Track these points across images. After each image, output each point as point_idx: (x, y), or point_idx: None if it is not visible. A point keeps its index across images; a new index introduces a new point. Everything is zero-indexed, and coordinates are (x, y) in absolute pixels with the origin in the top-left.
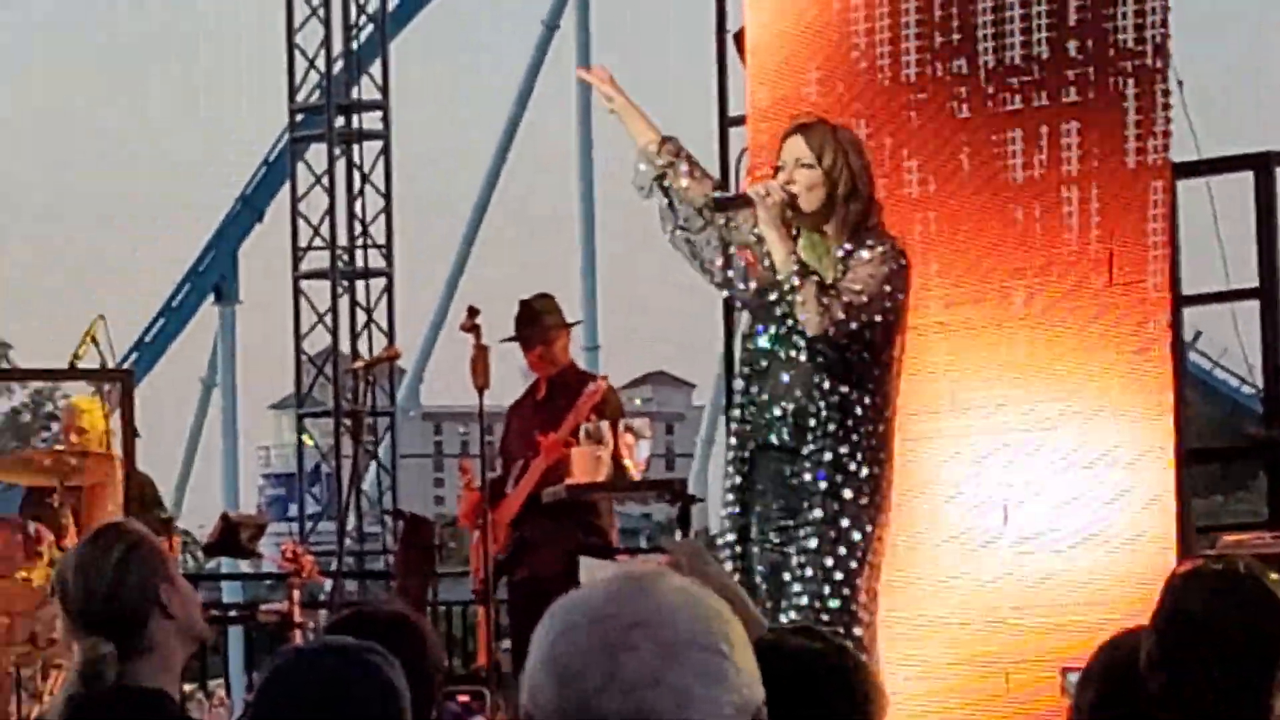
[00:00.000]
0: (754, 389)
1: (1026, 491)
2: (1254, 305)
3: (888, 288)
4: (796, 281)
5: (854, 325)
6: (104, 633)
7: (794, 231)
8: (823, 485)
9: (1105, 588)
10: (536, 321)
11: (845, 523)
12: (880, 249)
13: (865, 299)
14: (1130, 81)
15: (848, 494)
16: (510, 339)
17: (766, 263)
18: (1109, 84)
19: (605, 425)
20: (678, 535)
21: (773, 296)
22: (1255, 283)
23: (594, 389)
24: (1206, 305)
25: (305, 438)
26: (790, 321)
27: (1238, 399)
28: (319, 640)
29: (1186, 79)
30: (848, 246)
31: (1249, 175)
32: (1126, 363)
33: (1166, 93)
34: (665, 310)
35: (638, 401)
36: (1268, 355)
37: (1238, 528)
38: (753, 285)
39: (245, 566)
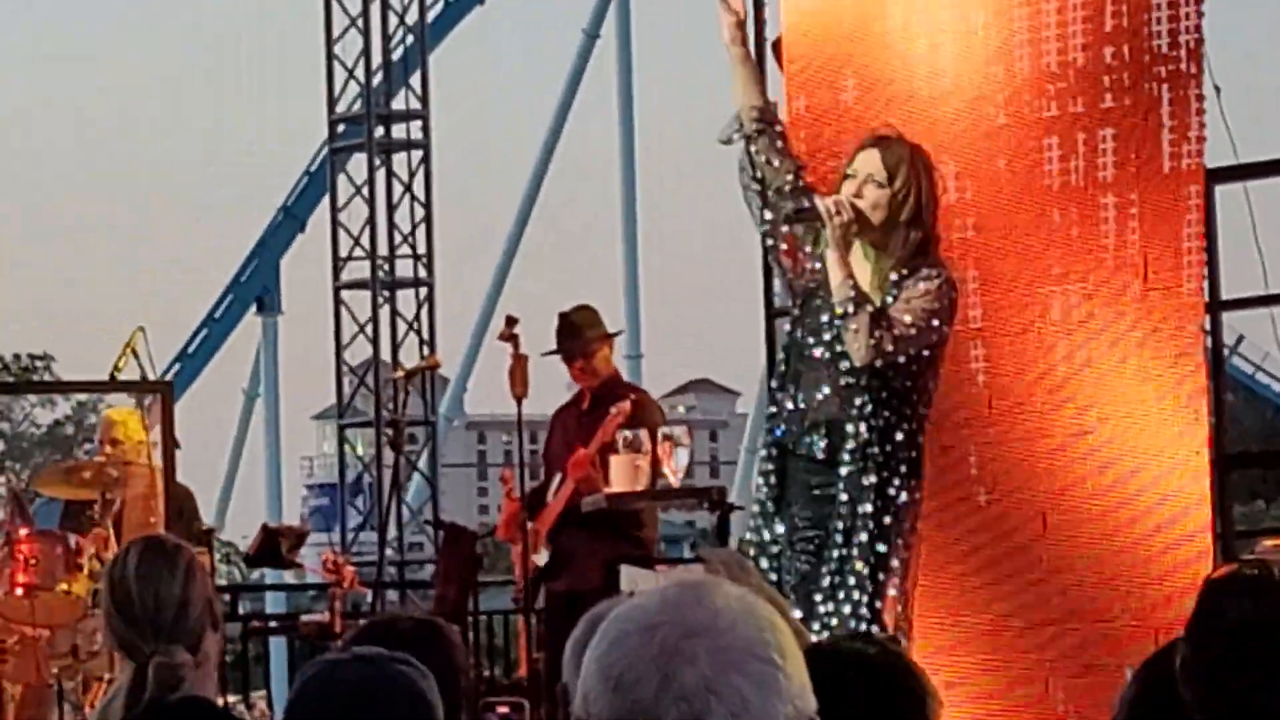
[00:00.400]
0: (792, 399)
1: (1064, 498)
2: None
3: (936, 321)
4: (851, 309)
5: (900, 358)
6: (176, 642)
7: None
8: (862, 509)
9: (1144, 593)
10: (576, 335)
11: (881, 548)
12: (936, 281)
13: (914, 331)
14: (1165, 87)
15: (886, 520)
16: (551, 352)
17: (817, 265)
18: (1144, 89)
19: (644, 433)
20: (717, 543)
21: (824, 318)
22: None
23: (617, 411)
24: (1246, 310)
25: (347, 448)
26: (837, 343)
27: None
28: (349, 650)
29: (1224, 84)
30: (903, 272)
31: None
32: (1163, 368)
33: (1201, 97)
34: (709, 317)
35: (681, 409)
36: None
37: (1278, 532)
38: (790, 276)
39: (289, 577)
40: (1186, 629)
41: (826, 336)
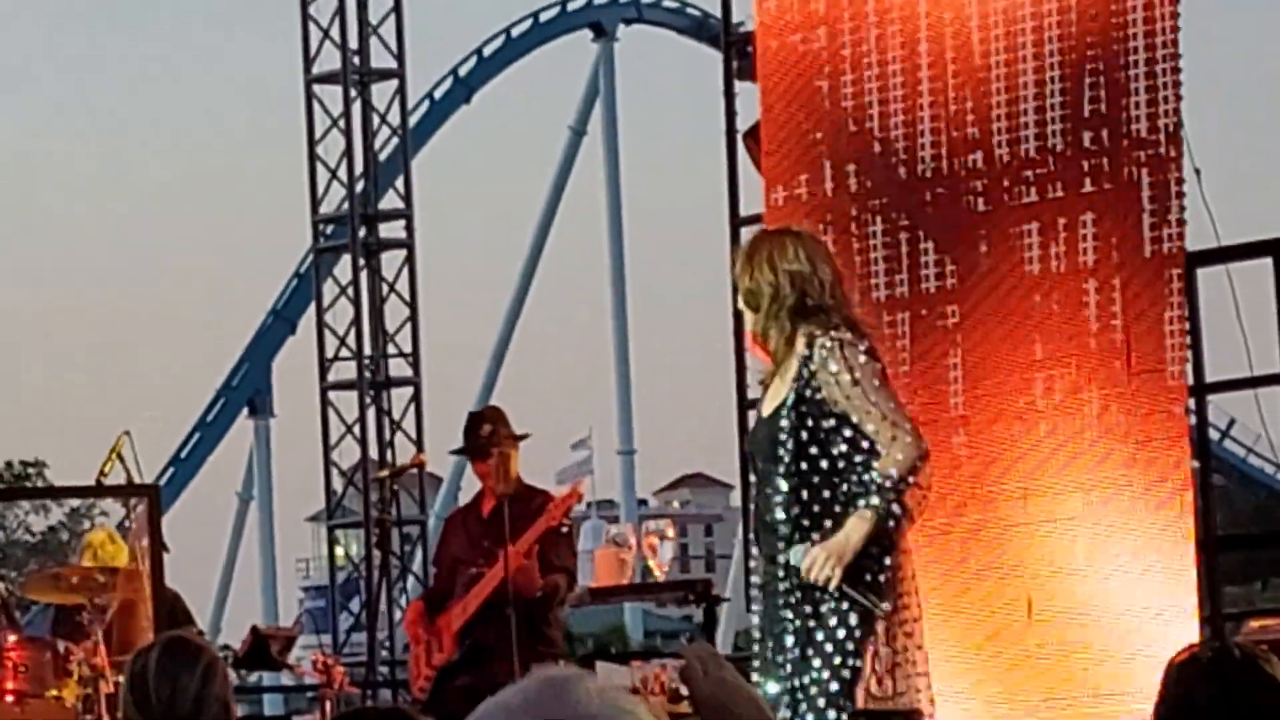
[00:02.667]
0: (760, 491)
1: (1050, 589)
2: (1277, 390)
3: (884, 391)
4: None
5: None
6: None
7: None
8: (791, 583)
9: (1128, 674)
10: (488, 434)
11: (834, 620)
12: (850, 358)
13: (892, 424)
14: (1144, 170)
15: (824, 595)
16: (458, 451)
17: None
18: (1124, 173)
19: (628, 528)
20: (682, 640)
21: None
22: (1278, 368)
23: (569, 491)
24: (1232, 392)
25: (339, 548)
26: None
27: (1273, 486)
28: None
29: (1203, 166)
30: (805, 353)
31: (1268, 262)
32: (1145, 449)
33: (1180, 180)
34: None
35: (675, 504)
36: None
37: (1266, 613)
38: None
39: (286, 679)
40: (1155, 713)
41: (758, 441)
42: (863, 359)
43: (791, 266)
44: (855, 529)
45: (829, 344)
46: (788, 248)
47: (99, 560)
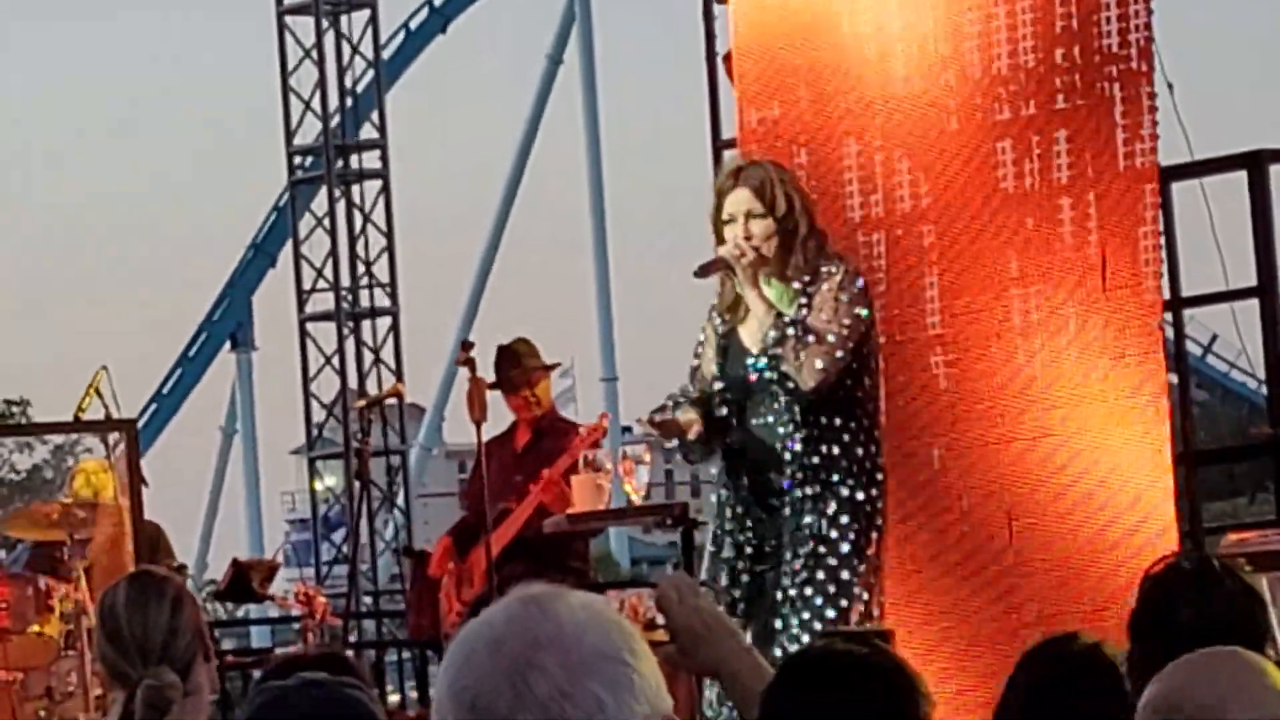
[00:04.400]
0: (743, 419)
1: (1031, 505)
2: (1253, 304)
3: (856, 310)
4: (777, 335)
5: (838, 366)
6: (165, 666)
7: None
8: (807, 519)
9: (1113, 591)
10: (518, 364)
11: (832, 550)
12: (838, 275)
13: (843, 333)
14: (1116, 86)
15: (832, 522)
16: (492, 384)
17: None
18: (1096, 89)
19: (605, 453)
20: (668, 568)
21: (752, 353)
22: (1254, 281)
23: (591, 428)
24: (1206, 306)
25: (322, 481)
26: (769, 371)
27: (1255, 400)
28: (297, 677)
29: (1176, 81)
30: (805, 279)
31: (1243, 175)
32: (1125, 366)
33: (1153, 95)
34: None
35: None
36: (1269, 353)
37: (1247, 527)
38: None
39: (273, 611)
40: (1131, 626)
41: (752, 372)
42: (858, 286)
43: (805, 193)
44: None
45: (839, 269)
46: (792, 176)
47: (91, 485)
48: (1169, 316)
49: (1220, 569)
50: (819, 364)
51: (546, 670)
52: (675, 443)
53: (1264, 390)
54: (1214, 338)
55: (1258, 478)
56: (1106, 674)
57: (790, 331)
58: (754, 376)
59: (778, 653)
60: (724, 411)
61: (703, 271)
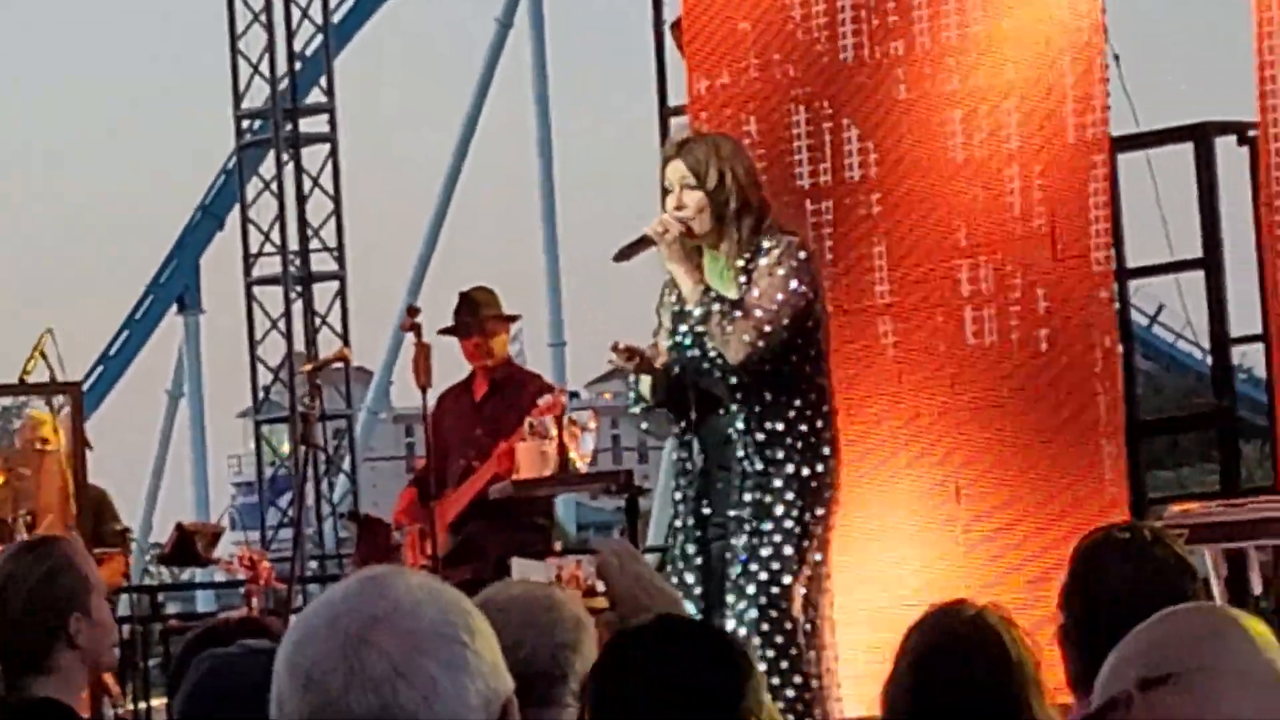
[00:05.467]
0: (688, 406)
1: (977, 474)
2: (1198, 276)
3: (793, 285)
4: (702, 312)
5: (767, 343)
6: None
7: (698, 254)
8: (750, 497)
9: (1057, 562)
10: (474, 311)
11: (777, 527)
12: (777, 250)
13: (774, 308)
14: (1067, 57)
15: (777, 499)
16: (446, 330)
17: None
18: (1046, 60)
19: (550, 419)
20: (615, 533)
21: (684, 327)
22: (1199, 253)
23: (551, 402)
24: (1151, 277)
25: (269, 444)
26: (703, 348)
27: (1200, 371)
28: (240, 645)
29: (1123, 53)
30: (746, 256)
31: (1189, 147)
32: (1071, 337)
33: (1104, 67)
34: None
35: (608, 396)
36: (1214, 325)
37: (1190, 497)
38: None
39: (219, 575)
40: (1063, 595)
41: (696, 348)
42: (798, 259)
43: (747, 166)
44: None
45: (779, 243)
46: (740, 152)
47: (38, 435)
48: (1116, 287)
49: (1152, 539)
50: (746, 338)
51: (381, 648)
52: (634, 402)
53: (1209, 361)
54: (1160, 308)
55: (1203, 447)
56: (991, 642)
57: (716, 307)
58: (694, 355)
59: (724, 626)
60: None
61: (623, 254)
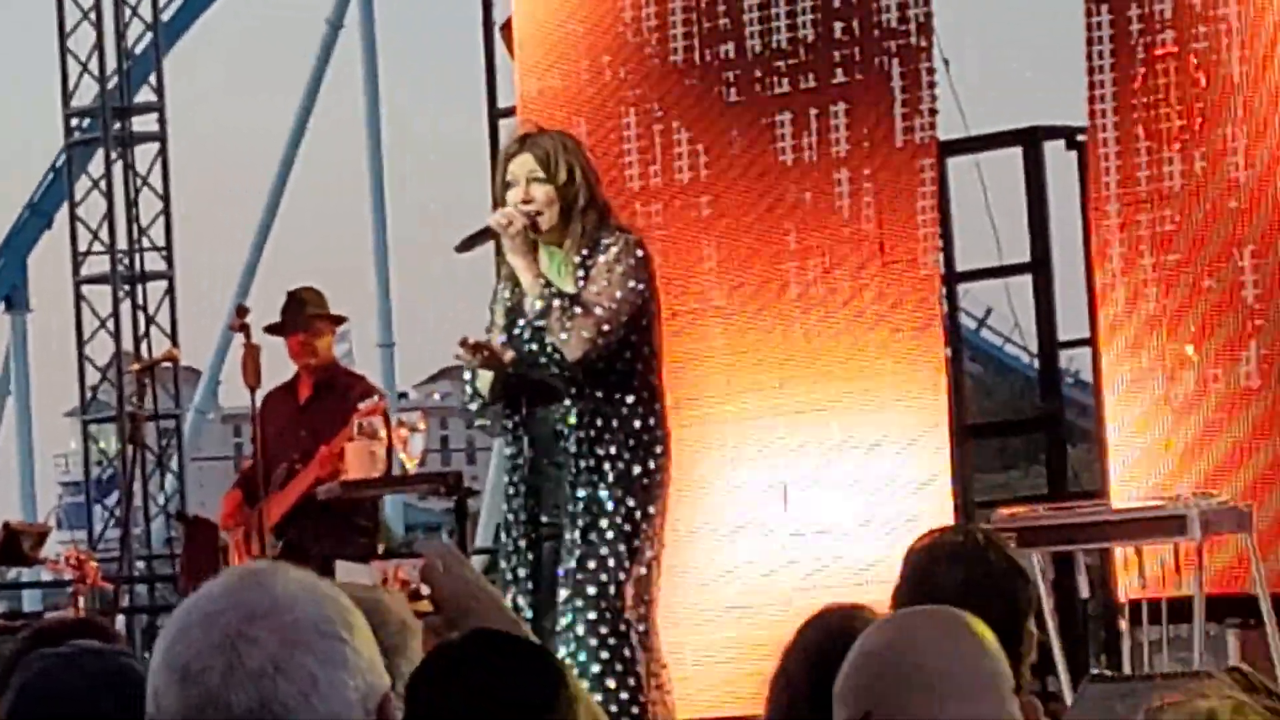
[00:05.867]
0: (521, 402)
1: (805, 475)
2: (1027, 280)
3: (631, 283)
4: (542, 306)
5: (605, 340)
6: None
7: (536, 249)
8: (582, 493)
9: (884, 571)
10: (300, 309)
11: (610, 524)
12: (615, 247)
13: (613, 305)
14: (895, 61)
15: (609, 495)
16: (271, 327)
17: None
18: (875, 64)
19: (379, 420)
20: (442, 535)
21: (522, 321)
22: (1028, 257)
23: (372, 406)
24: (980, 281)
25: (96, 445)
26: (541, 341)
27: (1028, 374)
28: (71, 645)
29: (953, 58)
30: (584, 252)
31: (1018, 151)
32: (900, 342)
33: (931, 71)
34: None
35: (436, 397)
36: (1042, 329)
37: (1019, 501)
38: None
39: (45, 575)
40: (895, 597)
41: (534, 343)
42: (636, 257)
43: (591, 164)
44: None
45: (618, 241)
46: (582, 149)
47: None
48: (944, 290)
49: (984, 543)
50: (585, 334)
51: (259, 642)
52: (471, 398)
53: (1035, 364)
54: (988, 311)
55: (1030, 451)
56: None
57: (556, 302)
58: (526, 351)
59: (556, 625)
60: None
61: (466, 245)
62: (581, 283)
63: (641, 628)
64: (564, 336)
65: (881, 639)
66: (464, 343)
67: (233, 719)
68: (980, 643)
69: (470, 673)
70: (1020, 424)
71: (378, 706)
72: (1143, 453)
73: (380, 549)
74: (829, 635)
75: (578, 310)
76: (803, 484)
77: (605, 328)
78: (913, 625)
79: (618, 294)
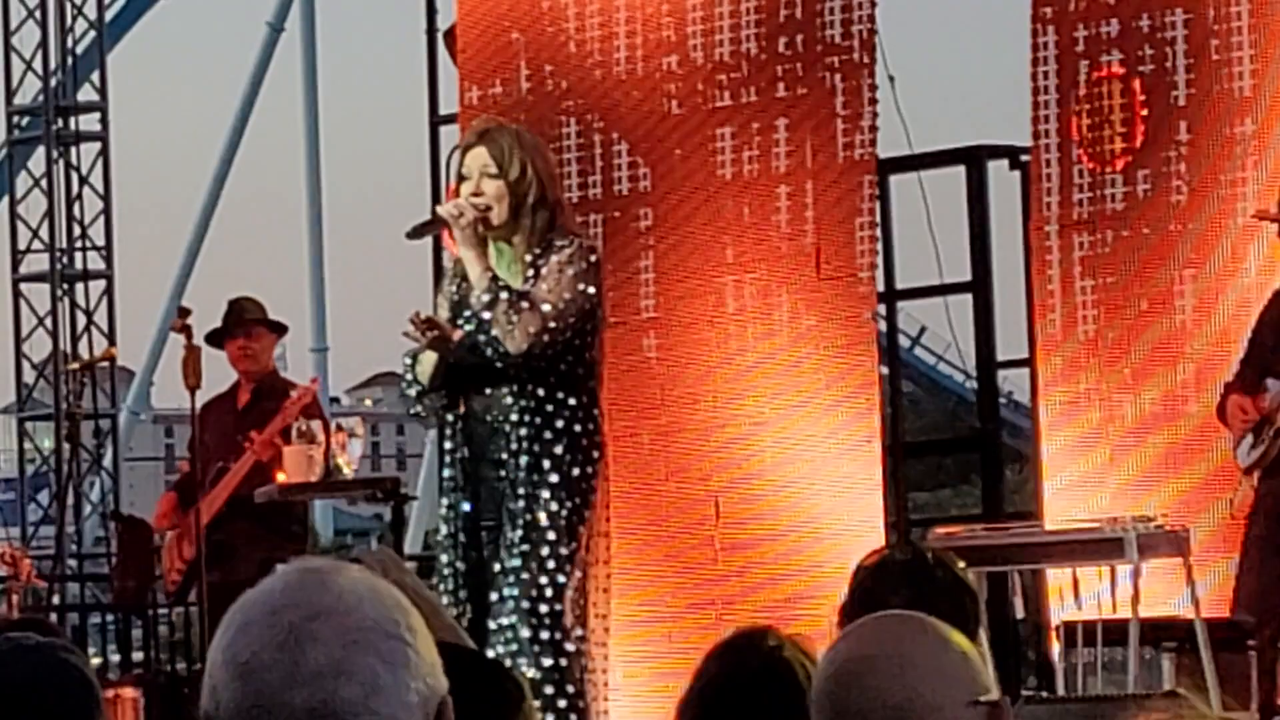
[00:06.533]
0: (460, 396)
1: (737, 485)
2: (968, 299)
3: (581, 286)
4: (489, 299)
5: (551, 338)
6: None
7: (485, 244)
8: (523, 491)
9: (814, 585)
10: (240, 316)
11: (551, 524)
12: (568, 249)
13: (560, 305)
14: (838, 77)
15: (551, 495)
16: (211, 333)
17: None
18: (818, 80)
19: (318, 424)
20: (373, 540)
21: (467, 313)
22: (968, 276)
23: (303, 390)
24: (920, 299)
25: (30, 441)
26: (486, 335)
27: (961, 394)
28: (6, 639)
29: (899, 75)
30: (536, 251)
31: (961, 170)
32: (835, 356)
33: (874, 87)
34: (394, 310)
35: (368, 403)
36: (980, 349)
37: (954, 520)
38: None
39: None
40: (843, 615)
41: (480, 335)
42: (589, 262)
43: (548, 162)
44: None
45: (571, 243)
46: (541, 148)
47: None
48: (882, 308)
49: (933, 561)
50: (530, 329)
51: (321, 640)
52: (410, 384)
53: (970, 384)
54: (923, 330)
55: (963, 470)
56: (784, 678)
57: (503, 295)
58: (475, 351)
59: (492, 626)
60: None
61: (416, 232)
62: (531, 281)
63: (578, 633)
64: (509, 329)
65: (858, 646)
66: (414, 318)
67: (292, 718)
68: (961, 648)
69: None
70: (957, 442)
71: (436, 710)
72: (1077, 474)
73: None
74: (737, 660)
75: (524, 305)
76: (736, 499)
77: (551, 324)
78: (891, 631)
79: (567, 295)
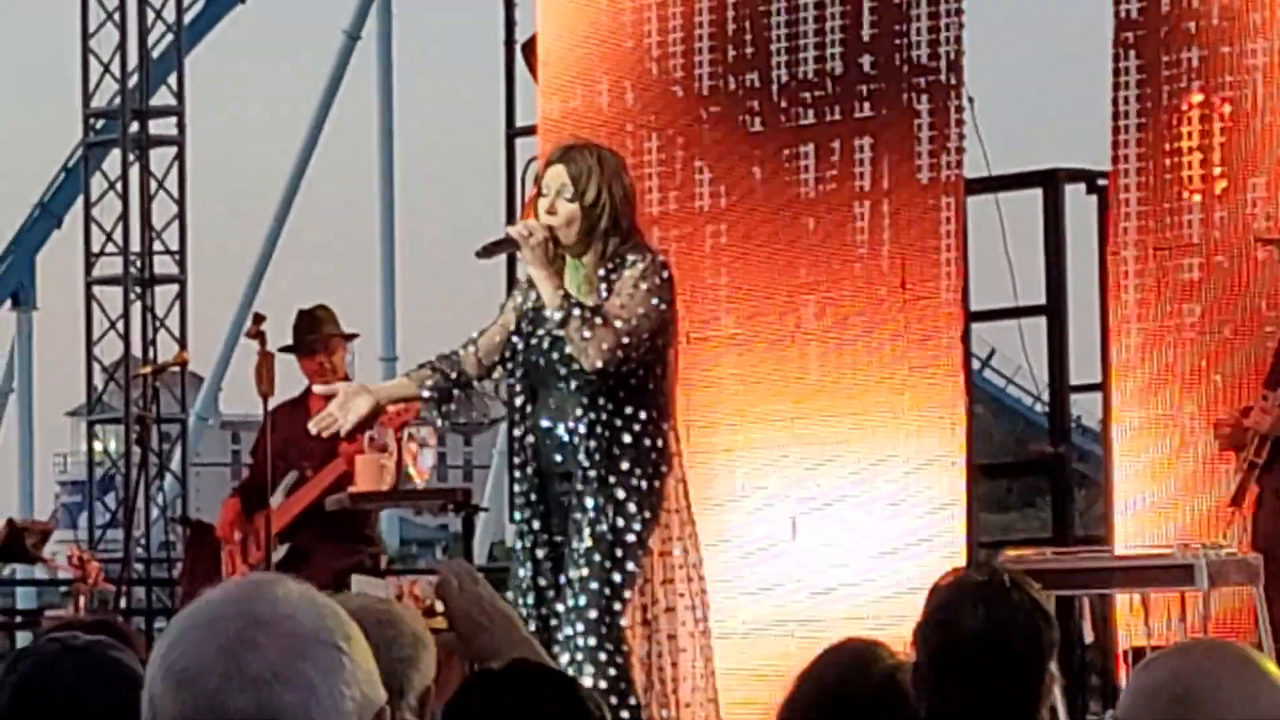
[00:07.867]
0: (530, 409)
1: (816, 503)
2: (1041, 322)
3: (654, 301)
4: (561, 316)
5: (625, 353)
6: None
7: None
8: (590, 503)
9: (894, 606)
10: (317, 329)
11: (618, 538)
12: (641, 265)
13: (634, 321)
14: (924, 97)
15: (618, 510)
16: (287, 348)
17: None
18: (902, 99)
19: (390, 432)
20: (437, 550)
21: (543, 332)
22: (1042, 300)
23: (404, 408)
24: (995, 321)
25: (98, 444)
26: (561, 353)
27: (1030, 417)
28: (57, 642)
29: (977, 96)
30: (609, 266)
31: (1038, 193)
32: (917, 375)
33: (960, 108)
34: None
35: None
36: (1053, 372)
37: (1022, 544)
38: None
39: (40, 573)
40: (918, 636)
41: (554, 352)
42: (661, 278)
43: (626, 186)
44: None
45: (645, 259)
46: (622, 170)
47: None
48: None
49: (1010, 582)
50: (605, 345)
51: (260, 648)
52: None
53: (1038, 407)
54: (992, 352)
55: (1026, 494)
56: (908, 695)
57: (576, 312)
58: (544, 364)
59: (559, 636)
60: (519, 400)
61: (486, 252)
62: (604, 296)
63: (645, 648)
64: (583, 345)
65: (1171, 672)
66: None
67: None
68: (1274, 682)
69: (506, 706)
70: (1029, 465)
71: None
72: (1148, 499)
73: (384, 562)
74: (845, 668)
75: (598, 321)
76: (812, 516)
77: (626, 340)
78: (1207, 660)
79: (640, 309)
